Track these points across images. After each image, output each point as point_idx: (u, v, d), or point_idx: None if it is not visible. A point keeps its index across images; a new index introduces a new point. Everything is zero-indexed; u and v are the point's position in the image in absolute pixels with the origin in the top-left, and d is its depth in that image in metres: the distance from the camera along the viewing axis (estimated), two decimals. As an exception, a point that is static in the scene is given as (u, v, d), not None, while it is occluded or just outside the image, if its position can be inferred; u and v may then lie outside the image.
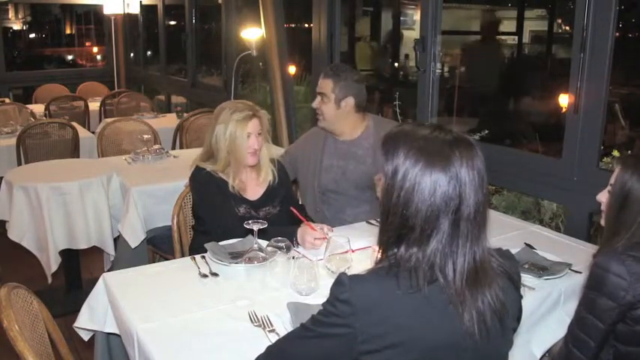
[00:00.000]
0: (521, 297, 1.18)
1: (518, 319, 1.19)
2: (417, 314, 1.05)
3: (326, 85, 2.53)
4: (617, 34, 2.27)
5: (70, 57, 11.55)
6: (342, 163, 2.59)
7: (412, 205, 1.05)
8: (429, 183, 1.04)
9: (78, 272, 3.42)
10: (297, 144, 2.88)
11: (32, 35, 11.87)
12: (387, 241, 1.11)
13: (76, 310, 1.84)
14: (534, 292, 1.76)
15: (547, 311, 1.80)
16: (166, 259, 2.69)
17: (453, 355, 1.07)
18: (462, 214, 1.05)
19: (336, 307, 1.05)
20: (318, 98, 2.56)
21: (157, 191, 3.00)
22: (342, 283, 1.06)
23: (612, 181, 1.55)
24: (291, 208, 2.19)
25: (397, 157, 1.08)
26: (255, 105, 2.26)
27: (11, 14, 11.02)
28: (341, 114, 2.53)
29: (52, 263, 3.01)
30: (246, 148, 2.16)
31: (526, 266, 1.89)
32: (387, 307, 1.04)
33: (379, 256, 1.14)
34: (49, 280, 3.04)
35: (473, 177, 1.06)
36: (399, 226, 1.08)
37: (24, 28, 11.56)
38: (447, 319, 1.05)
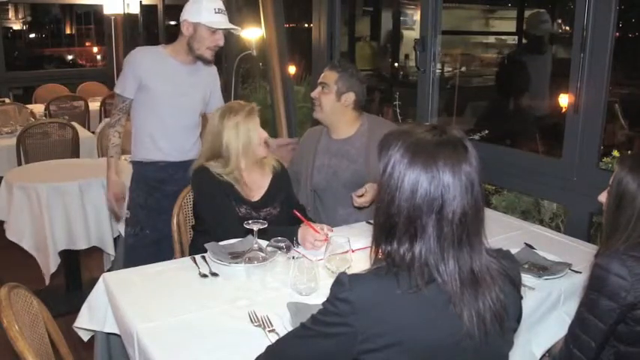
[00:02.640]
0: (521, 298, 1.18)
1: (518, 319, 1.19)
2: (417, 314, 1.05)
3: (330, 76, 2.52)
4: (617, 34, 2.27)
5: (70, 57, 11.56)
6: (334, 162, 2.57)
7: (395, 201, 1.06)
8: (412, 181, 1.05)
9: (78, 272, 3.43)
10: (294, 156, 2.84)
11: (32, 35, 11.88)
12: (378, 238, 1.12)
13: (76, 310, 1.84)
14: (534, 292, 1.76)
15: (547, 311, 1.80)
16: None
17: (452, 355, 1.07)
18: (445, 216, 1.04)
19: (336, 306, 1.05)
20: (319, 88, 2.55)
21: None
22: (342, 282, 1.06)
23: (611, 181, 1.55)
24: (294, 211, 2.19)
25: (387, 155, 1.09)
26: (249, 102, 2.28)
27: (11, 14, 11.04)
28: (339, 108, 2.52)
29: (51, 264, 3.01)
30: (259, 140, 2.19)
31: (526, 266, 1.90)
32: (387, 306, 1.04)
33: (373, 254, 1.14)
34: (47, 282, 3.05)
35: (458, 180, 1.04)
36: (385, 222, 1.09)
37: (24, 28, 11.57)
38: (447, 319, 1.05)
